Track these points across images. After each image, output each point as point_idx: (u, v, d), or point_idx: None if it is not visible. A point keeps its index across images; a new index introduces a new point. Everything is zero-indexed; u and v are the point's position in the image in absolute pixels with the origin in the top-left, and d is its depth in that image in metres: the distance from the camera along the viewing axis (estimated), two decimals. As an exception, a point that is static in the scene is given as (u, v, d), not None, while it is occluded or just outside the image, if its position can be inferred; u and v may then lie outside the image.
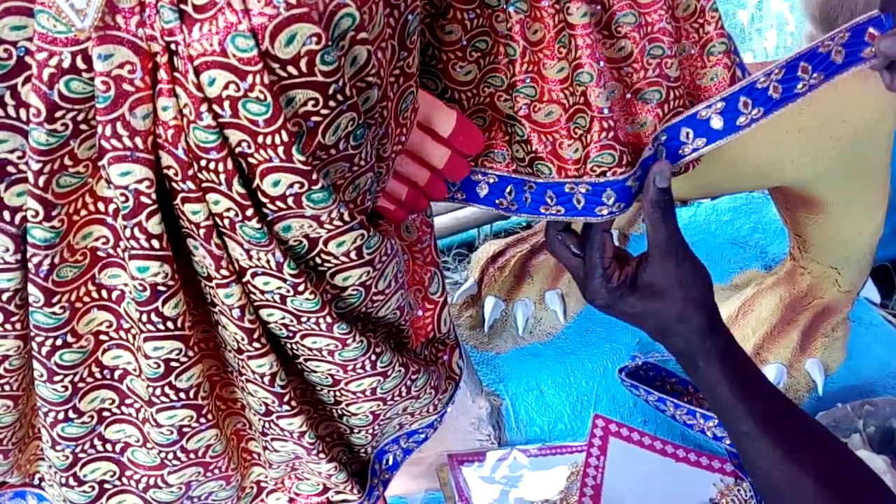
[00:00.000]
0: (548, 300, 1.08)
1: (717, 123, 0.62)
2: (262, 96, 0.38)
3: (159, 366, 0.49)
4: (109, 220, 0.46)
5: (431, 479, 0.92)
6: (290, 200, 0.43)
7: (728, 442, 0.91)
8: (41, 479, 0.61)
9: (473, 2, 0.57)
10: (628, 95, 0.63)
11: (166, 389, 0.50)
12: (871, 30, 0.56)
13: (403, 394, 0.59)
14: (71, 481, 0.55)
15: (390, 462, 0.69)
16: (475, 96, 0.61)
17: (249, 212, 0.43)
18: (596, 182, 0.60)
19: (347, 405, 0.58)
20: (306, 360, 0.54)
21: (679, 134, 0.62)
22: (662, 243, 0.61)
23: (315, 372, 0.55)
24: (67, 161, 0.42)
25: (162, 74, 0.40)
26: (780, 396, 0.62)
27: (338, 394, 0.57)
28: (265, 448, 0.60)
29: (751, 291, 1.02)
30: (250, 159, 0.41)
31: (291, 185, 0.42)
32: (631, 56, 0.62)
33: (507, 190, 0.63)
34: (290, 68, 0.39)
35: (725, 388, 0.60)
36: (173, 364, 0.49)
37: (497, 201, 0.63)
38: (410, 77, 0.52)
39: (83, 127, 0.41)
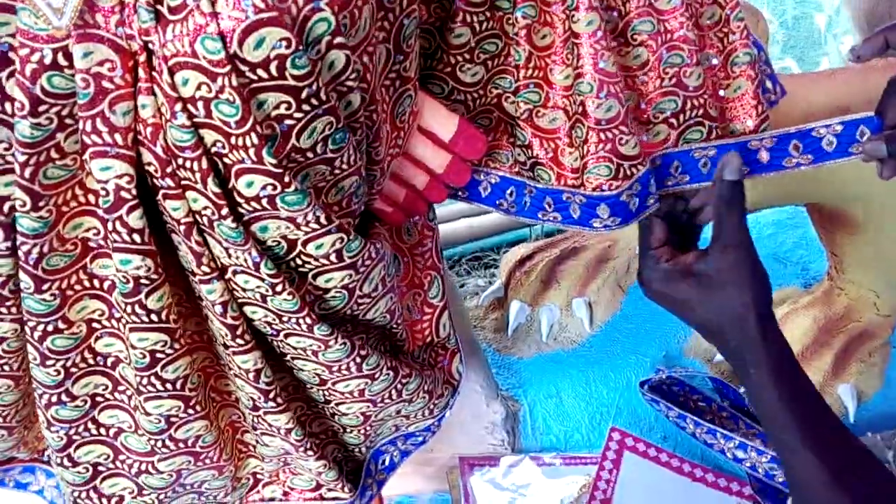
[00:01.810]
0: (575, 307, 1.06)
1: (704, 168, 0.63)
2: (231, 98, 0.39)
3: (145, 356, 0.50)
4: (100, 211, 0.47)
5: (442, 481, 0.91)
6: (264, 202, 0.43)
7: (748, 465, 0.88)
8: (49, 456, 0.63)
9: (483, 5, 0.56)
10: (643, 105, 0.61)
11: (152, 379, 0.51)
12: (862, 127, 0.60)
13: (394, 397, 0.59)
14: (66, 462, 0.57)
15: (387, 463, 0.69)
16: (482, 97, 0.60)
17: (224, 211, 0.43)
18: (590, 195, 0.60)
19: (337, 405, 0.59)
20: (293, 359, 0.54)
21: (671, 164, 0.62)
22: (725, 237, 0.60)
23: (303, 370, 0.55)
24: (54, 154, 0.43)
25: (141, 73, 0.40)
26: (830, 414, 0.60)
27: (327, 393, 0.57)
28: (257, 442, 0.61)
29: (784, 310, 0.99)
30: (225, 159, 0.42)
31: (265, 187, 0.42)
32: (647, 65, 0.60)
33: (509, 191, 0.62)
34: (260, 71, 0.39)
35: (774, 393, 0.58)
36: (158, 355, 0.50)
37: (498, 202, 0.63)
38: (408, 80, 0.52)
39: (68, 121, 0.42)
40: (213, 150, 0.42)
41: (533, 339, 1.06)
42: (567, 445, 0.96)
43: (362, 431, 0.62)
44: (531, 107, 0.59)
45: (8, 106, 0.41)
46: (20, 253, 0.46)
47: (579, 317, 1.06)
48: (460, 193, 0.63)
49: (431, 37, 0.58)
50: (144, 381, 0.51)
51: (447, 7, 0.57)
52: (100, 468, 0.58)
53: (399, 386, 0.59)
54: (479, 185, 0.63)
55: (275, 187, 0.42)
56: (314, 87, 0.40)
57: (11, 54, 0.39)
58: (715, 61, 0.64)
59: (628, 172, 0.60)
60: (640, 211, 0.62)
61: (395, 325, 0.58)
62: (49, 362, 0.51)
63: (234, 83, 0.38)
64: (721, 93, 0.64)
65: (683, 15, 0.60)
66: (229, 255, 0.46)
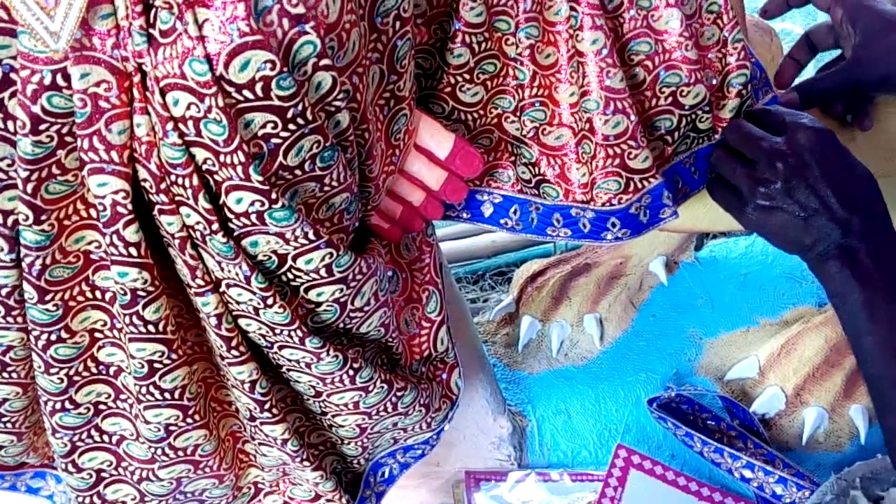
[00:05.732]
0: (585, 323, 1.06)
1: (695, 174, 0.66)
2: (218, 118, 0.40)
3: (143, 366, 0.52)
4: (100, 225, 0.48)
5: (447, 495, 0.92)
6: (253, 217, 0.45)
7: (756, 485, 0.88)
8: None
9: (482, 26, 0.57)
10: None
11: (151, 389, 0.53)
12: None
13: (389, 409, 0.60)
14: (70, 468, 0.58)
15: (386, 475, 0.70)
16: (482, 117, 0.61)
17: (215, 226, 0.45)
18: (599, 210, 0.60)
19: (333, 416, 0.60)
20: (289, 371, 0.55)
21: (672, 177, 0.63)
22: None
23: (299, 382, 0.56)
24: (55, 170, 0.45)
25: (135, 93, 0.42)
26: None
27: (323, 405, 0.58)
28: (256, 452, 0.62)
29: (796, 329, 0.98)
30: (216, 176, 0.43)
31: (253, 203, 0.44)
32: (643, 84, 0.61)
33: (512, 210, 0.63)
34: (246, 92, 0.40)
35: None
36: (156, 365, 0.52)
37: (502, 221, 0.64)
38: (402, 100, 0.53)
39: (68, 139, 0.44)
40: (204, 167, 0.43)
41: (543, 355, 1.06)
42: (574, 462, 0.96)
43: (359, 443, 0.63)
44: (537, 125, 0.60)
45: (10, 124, 0.43)
46: (24, 265, 0.47)
47: (590, 333, 1.06)
48: (464, 215, 0.64)
49: (432, 57, 0.59)
50: (143, 390, 0.53)
51: (447, 28, 0.58)
52: (103, 474, 0.60)
53: (394, 399, 0.60)
54: (482, 206, 0.64)
55: (262, 203, 0.44)
56: (300, 107, 0.42)
57: (13, 75, 0.41)
58: (714, 81, 0.64)
59: (638, 185, 0.60)
60: (652, 223, 0.62)
61: (390, 339, 0.59)
62: (53, 370, 0.53)
63: (221, 103, 0.40)
64: (717, 112, 0.65)
65: (682, 35, 0.60)
66: (222, 269, 0.47)
